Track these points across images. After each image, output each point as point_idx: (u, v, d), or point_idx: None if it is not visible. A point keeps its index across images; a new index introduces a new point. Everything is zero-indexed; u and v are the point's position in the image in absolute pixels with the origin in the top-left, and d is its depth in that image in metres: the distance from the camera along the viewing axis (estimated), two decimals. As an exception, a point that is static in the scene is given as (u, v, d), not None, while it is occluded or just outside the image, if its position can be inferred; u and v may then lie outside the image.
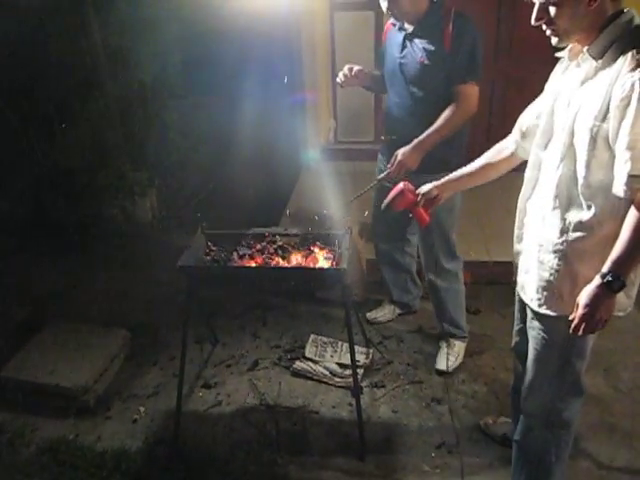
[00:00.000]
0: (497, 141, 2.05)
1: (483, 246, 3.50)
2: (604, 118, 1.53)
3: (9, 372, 2.84)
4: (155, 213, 4.52)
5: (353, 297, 2.86)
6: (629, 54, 1.49)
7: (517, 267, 1.94)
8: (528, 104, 1.91)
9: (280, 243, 2.60)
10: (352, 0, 4.24)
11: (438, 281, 2.90)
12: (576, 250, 1.69)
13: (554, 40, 1.63)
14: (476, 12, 3.91)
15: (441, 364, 2.94)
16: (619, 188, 1.52)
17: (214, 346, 3.20)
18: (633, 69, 1.47)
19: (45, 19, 3.79)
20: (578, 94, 1.62)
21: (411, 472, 2.42)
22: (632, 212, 1.53)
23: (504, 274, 2.15)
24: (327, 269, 2.44)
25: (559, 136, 1.68)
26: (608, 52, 1.54)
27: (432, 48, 2.49)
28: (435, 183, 2.07)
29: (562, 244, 1.70)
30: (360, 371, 2.83)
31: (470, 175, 2.05)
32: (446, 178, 2.08)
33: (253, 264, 2.52)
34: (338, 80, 2.83)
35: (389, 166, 2.61)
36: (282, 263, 2.51)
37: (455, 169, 2.11)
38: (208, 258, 2.57)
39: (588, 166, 1.59)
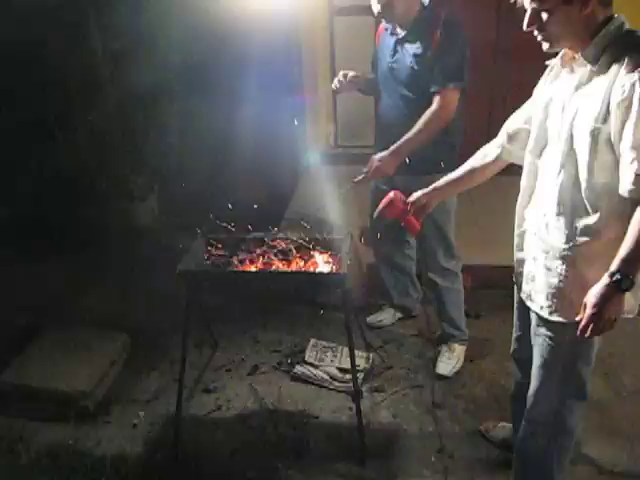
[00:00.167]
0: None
1: (483, 250, 3.50)
2: (604, 120, 1.54)
3: (8, 377, 2.83)
4: (155, 217, 4.52)
5: (353, 301, 2.86)
6: (625, 58, 1.50)
7: (519, 275, 1.94)
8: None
9: (280, 247, 2.60)
10: (351, 5, 4.25)
11: (438, 280, 2.91)
12: (584, 254, 1.68)
13: (545, 46, 1.65)
14: (476, 13, 3.95)
15: (441, 368, 2.94)
16: (626, 188, 1.52)
17: (214, 350, 3.20)
18: (631, 71, 1.48)
19: (46, 23, 3.79)
20: (573, 99, 1.63)
21: (411, 477, 2.41)
22: (639, 211, 1.53)
23: (504, 278, 2.15)
24: (327, 274, 2.44)
25: (556, 142, 1.69)
26: (602, 57, 1.56)
27: (421, 53, 2.52)
28: (424, 191, 2.09)
29: (569, 249, 1.70)
30: (360, 375, 2.82)
31: (457, 181, 2.07)
32: (433, 185, 2.09)
33: (253, 269, 2.52)
34: (333, 87, 2.87)
35: (365, 170, 2.62)
36: (282, 267, 2.51)
37: (449, 170, 2.13)
38: (208, 263, 2.57)
39: (591, 169, 1.59)
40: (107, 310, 3.52)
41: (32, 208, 4.17)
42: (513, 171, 2.00)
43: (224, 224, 2.70)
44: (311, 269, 2.49)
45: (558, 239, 1.72)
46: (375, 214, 2.18)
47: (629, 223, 1.59)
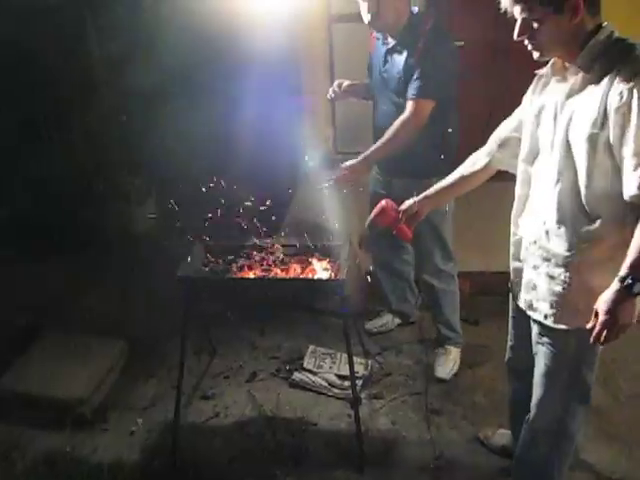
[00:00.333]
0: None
1: (481, 256, 3.50)
2: (602, 126, 1.55)
3: (5, 383, 2.82)
4: (153, 222, 4.51)
5: (352, 307, 2.87)
6: (619, 67, 1.52)
7: (516, 284, 1.94)
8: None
9: (279, 254, 2.60)
10: (350, 12, 4.25)
11: (434, 282, 2.92)
12: (587, 261, 1.69)
13: (536, 55, 1.66)
14: (474, 14, 3.96)
15: (439, 372, 2.95)
16: (630, 193, 1.53)
17: (212, 357, 3.19)
18: (627, 78, 1.50)
19: (42, 24, 3.79)
20: (566, 106, 1.65)
21: (410, 484, 2.40)
22: None
23: (502, 285, 2.15)
24: (326, 280, 2.44)
25: (549, 150, 1.70)
26: (595, 65, 1.57)
27: (407, 64, 2.54)
28: (415, 199, 2.10)
29: (572, 256, 1.70)
30: (359, 382, 2.82)
31: (447, 188, 2.09)
32: (424, 194, 2.10)
33: (252, 275, 2.51)
34: (328, 97, 2.94)
35: (333, 177, 2.65)
36: (281, 274, 2.51)
37: (444, 174, 2.15)
38: (206, 269, 2.56)
39: (590, 175, 1.60)
40: (105, 316, 3.51)
41: (30, 211, 4.16)
42: (511, 177, 2.01)
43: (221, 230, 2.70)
44: (309, 276, 2.49)
45: (560, 246, 1.72)
46: (367, 222, 2.20)
47: (631, 227, 1.59)
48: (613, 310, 1.55)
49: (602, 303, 1.57)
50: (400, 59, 2.58)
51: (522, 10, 1.58)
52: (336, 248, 2.58)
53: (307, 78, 4.26)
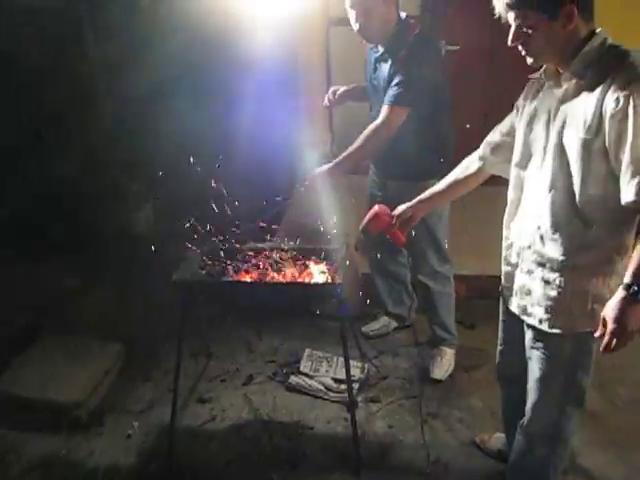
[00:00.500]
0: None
1: (477, 260, 3.51)
2: (597, 132, 1.55)
3: (1, 385, 2.81)
4: (150, 225, 4.51)
5: (349, 311, 2.87)
6: (614, 73, 1.53)
7: (508, 289, 1.94)
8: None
9: (276, 257, 2.60)
10: (348, 16, 4.27)
11: (430, 284, 2.93)
12: (582, 265, 1.69)
13: (529, 60, 1.68)
14: (471, 17, 3.98)
15: (435, 373, 2.96)
16: (628, 199, 1.53)
17: (209, 360, 3.18)
18: (623, 85, 1.50)
19: (41, 28, 3.79)
20: (560, 111, 1.65)
21: (407, 488, 2.40)
22: None
23: (498, 288, 2.16)
24: (322, 284, 2.44)
25: (542, 155, 1.71)
26: (589, 72, 1.58)
27: (390, 71, 2.56)
28: (408, 204, 2.11)
29: (567, 261, 1.70)
30: (355, 386, 2.82)
31: (441, 193, 2.09)
32: (418, 198, 2.11)
33: (248, 279, 2.51)
34: (324, 104, 2.97)
35: (306, 182, 2.64)
36: (277, 278, 2.51)
37: (439, 176, 2.16)
38: (203, 272, 2.56)
39: (584, 181, 1.60)
40: (102, 318, 3.50)
41: (28, 212, 4.16)
42: (507, 181, 2.01)
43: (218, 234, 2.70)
44: (306, 279, 2.49)
45: (555, 251, 1.72)
46: (360, 228, 2.20)
47: (626, 232, 1.60)
48: (621, 318, 1.55)
49: (609, 311, 1.57)
50: (386, 67, 2.60)
51: (516, 16, 1.59)
52: (333, 251, 2.58)
53: (305, 81, 4.27)
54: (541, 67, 1.73)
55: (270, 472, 2.48)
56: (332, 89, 2.93)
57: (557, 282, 1.74)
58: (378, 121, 2.57)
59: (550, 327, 1.78)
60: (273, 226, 2.79)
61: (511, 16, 1.60)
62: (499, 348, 2.15)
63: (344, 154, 2.64)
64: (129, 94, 4.07)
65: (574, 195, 1.64)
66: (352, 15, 2.55)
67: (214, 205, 2.72)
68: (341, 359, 2.96)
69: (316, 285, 2.45)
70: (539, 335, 1.83)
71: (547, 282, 1.76)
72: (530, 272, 1.81)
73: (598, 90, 1.55)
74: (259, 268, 2.54)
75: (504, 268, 1.94)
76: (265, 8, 3.80)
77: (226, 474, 2.49)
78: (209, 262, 2.60)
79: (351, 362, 2.54)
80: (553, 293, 1.75)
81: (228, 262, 2.58)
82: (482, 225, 3.75)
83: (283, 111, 3.99)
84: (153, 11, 3.92)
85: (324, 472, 2.48)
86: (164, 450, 2.56)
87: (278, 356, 3.20)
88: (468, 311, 3.36)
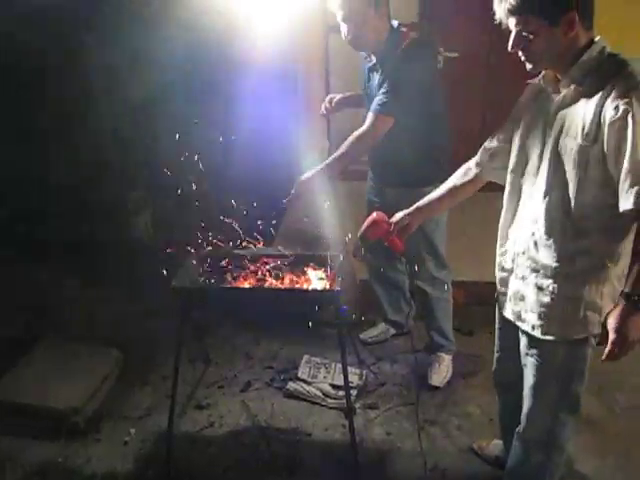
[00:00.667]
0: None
1: (475, 266, 3.50)
2: (595, 139, 1.56)
3: (-2, 393, 2.81)
4: (149, 231, 4.51)
5: (347, 317, 2.88)
6: (612, 82, 1.54)
7: (503, 295, 1.94)
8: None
9: (274, 264, 2.60)
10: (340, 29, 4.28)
11: (428, 289, 2.93)
12: (576, 272, 1.70)
13: (529, 66, 1.68)
14: (469, 24, 4.00)
15: (434, 380, 2.96)
16: (626, 207, 1.54)
17: (207, 366, 3.18)
18: (622, 93, 1.51)
19: (41, 35, 3.80)
20: (557, 118, 1.66)
21: (405, 495, 2.40)
22: None
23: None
24: (321, 291, 2.44)
25: (538, 161, 1.72)
26: (588, 79, 1.59)
27: (380, 81, 2.58)
28: (406, 211, 2.10)
29: (561, 268, 1.71)
30: (353, 392, 2.81)
31: (439, 200, 2.09)
32: (416, 205, 2.11)
33: (247, 285, 2.51)
34: (320, 113, 3.00)
35: (293, 191, 2.64)
36: (276, 284, 2.51)
37: (436, 183, 2.17)
38: (202, 278, 2.56)
39: (580, 187, 1.61)
40: (100, 324, 3.50)
41: (26, 219, 4.16)
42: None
43: (217, 240, 2.70)
44: (305, 286, 2.49)
45: (549, 258, 1.73)
46: (359, 235, 2.21)
47: (620, 240, 1.61)
48: (623, 327, 1.57)
49: (611, 322, 1.59)
50: (377, 77, 2.62)
51: (517, 22, 1.60)
52: (331, 257, 2.59)
53: (304, 89, 4.28)
54: (540, 73, 1.74)
55: (268, 478, 2.48)
56: (329, 97, 2.97)
57: (550, 288, 1.74)
58: (363, 128, 2.58)
59: (543, 333, 1.79)
60: (271, 233, 2.80)
61: (512, 22, 1.61)
62: (496, 355, 2.15)
63: (328, 160, 2.65)
64: (129, 100, 4.09)
65: (569, 202, 1.65)
66: (344, 28, 2.56)
67: (213, 212, 2.73)
68: (339, 365, 2.95)
69: (314, 292, 2.46)
70: (533, 342, 1.84)
71: (540, 288, 1.77)
72: (524, 278, 1.82)
73: (597, 98, 1.56)
74: (257, 275, 2.55)
75: (499, 274, 1.95)
76: (265, 16, 3.81)
77: (224, 481, 2.49)
78: (207, 268, 2.61)
79: (349, 369, 2.55)
80: (546, 299, 1.76)
81: (226, 268, 2.59)
82: (480, 231, 3.76)
83: (282, 118, 4.00)
84: (153, 21, 3.93)
85: (322, 479, 2.48)
86: (162, 456, 2.55)
87: (276, 362, 3.20)
88: (466, 317, 3.36)
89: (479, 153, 2.01)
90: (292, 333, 3.41)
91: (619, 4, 3.34)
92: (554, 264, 1.72)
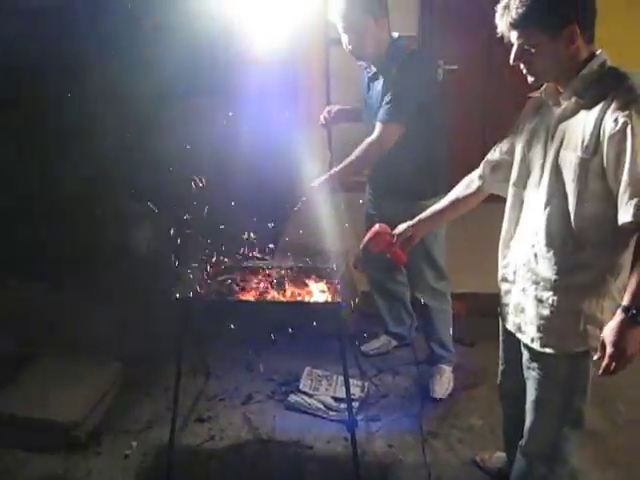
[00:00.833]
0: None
1: (476, 278, 3.50)
2: (594, 152, 1.57)
3: (-1, 406, 2.80)
4: (150, 242, 4.51)
5: (348, 329, 2.88)
6: (613, 95, 1.55)
7: (505, 306, 1.94)
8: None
9: (276, 276, 2.60)
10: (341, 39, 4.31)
11: (427, 301, 2.94)
12: (575, 285, 1.70)
13: (530, 79, 1.70)
14: (469, 36, 4.02)
15: (437, 392, 2.96)
16: (625, 220, 1.54)
17: (208, 378, 3.17)
18: (622, 107, 1.52)
19: (43, 50, 3.83)
20: (558, 131, 1.67)
21: (407, 508, 2.39)
22: None
23: (497, 306, 2.16)
24: (323, 303, 2.44)
25: (540, 173, 1.72)
26: (589, 92, 1.61)
27: (382, 90, 2.60)
28: (409, 223, 2.12)
29: (560, 280, 1.71)
30: (355, 405, 2.81)
31: (441, 212, 2.10)
32: (418, 217, 2.12)
33: (249, 297, 2.51)
34: (320, 123, 3.04)
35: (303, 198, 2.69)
36: (278, 296, 2.51)
37: (432, 197, 2.21)
38: (203, 291, 2.56)
39: (580, 200, 1.62)
40: (101, 337, 3.49)
41: (27, 232, 4.16)
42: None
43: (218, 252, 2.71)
44: (307, 298, 2.49)
45: (548, 270, 1.73)
46: (361, 246, 2.22)
47: (620, 253, 1.61)
48: (620, 341, 1.55)
49: (608, 335, 1.57)
50: (379, 85, 2.64)
51: (519, 35, 1.61)
52: (333, 269, 2.59)
53: (305, 100, 4.30)
54: (541, 86, 1.75)
55: (269, 492, 2.47)
56: (327, 108, 3.01)
57: (550, 301, 1.74)
58: (372, 138, 2.60)
59: (542, 346, 1.79)
60: (272, 245, 2.80)
61: (514, 35, 1.63)
62: (500, 368, 2.15)
63: (336, 168, 2.67)
64: (131, 113, 4.10)
65: (569, 214, 1.65)
66: (345, 38, 2.59)
67: (214, 223, 2.74)
68: (341, 378, 2.95)
69: (316, 304, 2.46)
70: (534, 355, 1.84)
71: (540, 301, 1.77)
72: (524, 290, 1.82)
73: (597, 110, 1.57)
74: (259, 287, 2.55)
75: (501, 286, 1.95)
76: (267, 29, 3.84)
77: (225, 494, 2.48)
78: (209, 280, 2.61)
79: (351, 381, 2.54)
80: (546, 312, 1.76)
81: (228, 280, 2.59)
82: (481, 242, 3.76)
83: (283, 130, 4.02)
84: (154, 34, 3.96)
85: (324, 492, 2.47)
86: (163, 470, 2.53)
87: (277, 375, 3.19)
88: (468, 329, 3.36)
89: (481, 166, 2.02)
90: (293, 345, 3.41)
91: (620, 18, 3.37)
92: (554, 277, 1.72)
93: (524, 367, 1.90)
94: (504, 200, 1.98)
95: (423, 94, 2.59)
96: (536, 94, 1.80)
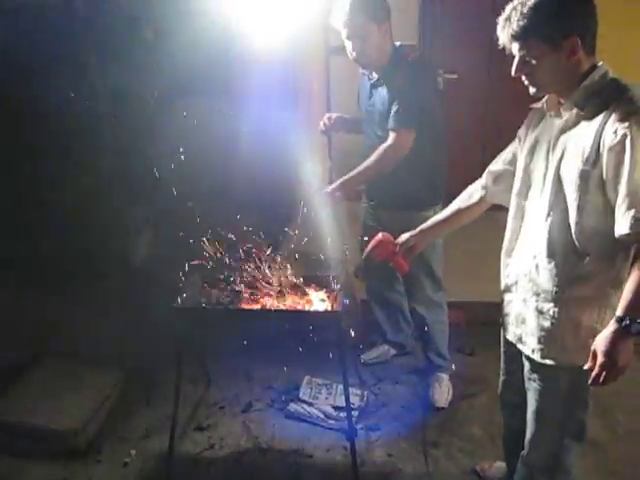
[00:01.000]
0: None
1: (476, 286, 3.51)
2: (594, 164, 1.57)
3: (-2, 413, 2.80)
4: (150, 250, 4.51)
5: (348, 338, 2.88)
6: (613, 106, 1.56)
7: (507, 317, 1.94)
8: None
9: (276, 284, 2.60)
10: (345, 46, 4.33)
11: (425, 312, 2.95)
12: (576, 297, 1.70)
13: (532, 90, 1.70)
14: (469, 49, 4.04)
15: (438, 401, 2.96)
16: (622, 232, 1.54)
17: (207, 386, 3.17)
18: (622, 118, 1.53)
19: (47, 62, 3.85)
20: (560, 141, 1.68)
21: (407, 518, 2.38)
22: None
23: (498, 314, 2.17)
24: (323, 312, 2.44)
25: (541, 184, 1.73)
26: (589, 103, 1.61)
27: (388, 96, 2.62)
28: (411, 233, 2.12)
29: (561, 292, 1.71)
30: (355, 414, 2.80)
31: (443, 222, 2.11)
32: (421, 227, 2.13)
33: (249, 306, 2.52)
34: (319, 130, 3.06)
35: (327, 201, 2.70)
36: (278, 305, 2.51)
37: (430, 207, 2.24)
38: (203, 299, 2.57)
39: (580, 211, 1.62)
40: (101, 345, 3.49)
41: (26, 239, 4.17)
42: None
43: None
44: (307, 307, 2.49)
45: (549, 281, 1.73)
46: (364, 255, 2.22)
47: (621, 266, 1.60)
48: (611, 351, 1.54)
49: (600, 344, 1.56)
50: (383, 93, 2.65)
51: (521, 47, 1.62)
52: (333, 278, 2.59)
53: (305, 109, 4.31)
54: (543, 97, 1.76)
55: (269, 501, 2.46)
56: (327, 115, 3.01)
57: (551, 312, 1.74)
58: (387, 144, 2.60)
59: (542, 357, 1.79)
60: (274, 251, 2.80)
61: (515, 47, 1.63)
62: (501, 378, 2.14)
63: (351, 173, 2.69)
64: (132, 121, 4.12)
65: (570, 226, 1.65)
66: (349, 45, 2.61)
67: (214, 231, 2.74)
68: (340, 386, 2.94)
69: (316, 313, 2.46)
70: (534, 366, 1.84)
71: (541, 312, 1.77)
72: (525, 301, 1.82)
73: (597, 122, 1.58)
74: (260, 295, 2.55)
75: (503, 296, 1.95)
76: (266, 37, 3.86)
77: (224, 503, 2.47)
78: (209, 288, 2.61)
79: (350, 389, 2.54)
80: (546, 323, 1.76)
81: (228, 289, 2.59)
82: (480, 251, 3.77)
83: (283, 138, 4.03)
84: (155, 44, 3.98)
85: (323, 501, 2.47)
86: (162, 478, 2.54)
87: (277, 383, 3.19)
88: (468, 338, 3.36)
89: (484, 176, 2.02)
90: (293, 354, 3.40)
91: (621, 30, 3.38)
92: (554, 288, 1.72)
93: (525, 378, 1.90)
94: (503, 208, 1.99)
95: (428, 99, 2.61)
96: (538, 105, 1.81)
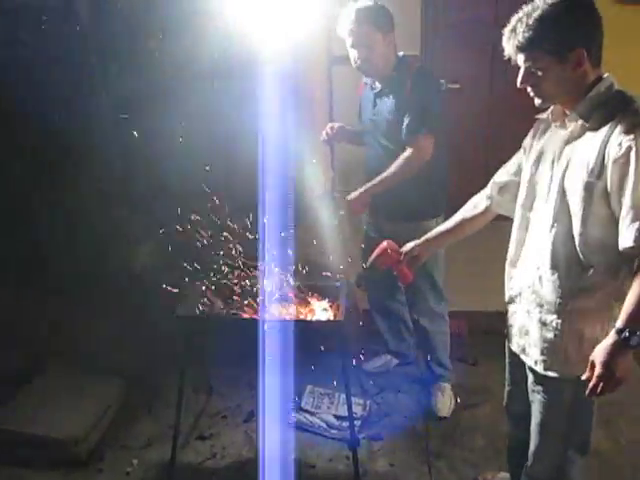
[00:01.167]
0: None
1: (479, 296, 3.51)
2: (599, 175, 1.57)
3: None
4: (152, 258, 4.51)
5: (351, 348, 2.88)
6: (619, 117, 1.56)
7: (511, 328, 1.94)
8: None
9: (279, 294, 2.60)
10: (349, 55, 4.35)
11: (427, 324, 2.95)
12: (579, 309, 1.69)
13: (538, 102, 1.70)
14: (471, 61, 4.05)
15: (441, 411, 2.95)
16: (626, 245, 1.53)
17: (210, 396, 3.16)
18: (627, 130, 1.52)
19: (49, 71, 3.86)
20: (564, 153, 1.68)
21: (409, 529, 2.37)
22: None
23: (501, 324, 2.16)
24: (325, 321, 2.44)
25: (546, 195, 1.73)
26: (595, 114, 1.61)
27: (396, 105, 2.63)
28: (416, 242, 2.12)
29: (564, 304, 1.70)
30: (357, 423, 2.79)
31: (448, 232, 2.11)
32: (425, 237, 2.13)
33: (250, 315, 2.52)
34: (321, 139, 3.07)
35: (342, 212, 2.77)
36: (280, 314, 2.51)
37: (432, 218, 2.28)
38: (205, 308, 2.57)
39: (585, 223, 1.62)
40: (103, 354, 3.48)
41: (27, 248, 4.17)
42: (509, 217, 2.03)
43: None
44: (309, 316, 2.49)
45: (553, 293, 1.72)
46: (368, 263, 2.22)
47: (625, 278, 1.60)
48: (610, 363, 1.53)
49: (598, 355, 1.55)
50: (389, 102, 2.66)
51: (526, 58, 1.62)
52: (335, 288, 2.59)
53: (308, 119, 4.32)
54: (548, 107, 1.76)
55: (271, 512, 2.45)
56: (330, 125, 3.04)
57: (554, 324, 1.74)
58: (409, 152, 2.60)
59: (545, 369, 1.78)
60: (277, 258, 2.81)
61: (521, 58, 1.63)
62: (506, 389, 2.14)
63: (373, 181, 2.69)
64: (134, 130, 4.13)
65: (573, 238, 1.65)
66: (353, 54, 2.62)
67: (216, 239, 2.75)
68: (343, 396, 2.94)
69: (319, 322, 2.46)
70: (538, 378, 1.83)
71: (544, 324, 1.76)
72: (529, 312, 1.82)
73: (602, 133, 1.57)
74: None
75: (507, 307, 1.95)
76: (268, 47, 3.88)
77: (226, 513, 2.46)
78: (212, 297, 2.61)
79: (353, 399, 2.54)
80: (550, 335, 1.75)
81: (231, 297, 2.59)
82: (483, 261, 3.77)
83: (286, 147, 4.04)
84: (157, 55, 4.00)
85: (325, 511, 2.46)
86: (164, 488, 2.53)
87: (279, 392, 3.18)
88: (470, 348, 3.35)
89: (489, 186, 2.02)
90: (295, 363, 3.39)
91: (627, 42, 3.39)
92: (558, 300, 1.71)
93: (529, 390, 1.89)
94: (506, 218, 1.99)
95: (438, 106, 2.63)
96: (543, 116, 1.81)
